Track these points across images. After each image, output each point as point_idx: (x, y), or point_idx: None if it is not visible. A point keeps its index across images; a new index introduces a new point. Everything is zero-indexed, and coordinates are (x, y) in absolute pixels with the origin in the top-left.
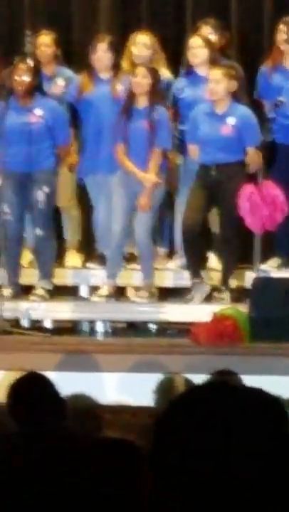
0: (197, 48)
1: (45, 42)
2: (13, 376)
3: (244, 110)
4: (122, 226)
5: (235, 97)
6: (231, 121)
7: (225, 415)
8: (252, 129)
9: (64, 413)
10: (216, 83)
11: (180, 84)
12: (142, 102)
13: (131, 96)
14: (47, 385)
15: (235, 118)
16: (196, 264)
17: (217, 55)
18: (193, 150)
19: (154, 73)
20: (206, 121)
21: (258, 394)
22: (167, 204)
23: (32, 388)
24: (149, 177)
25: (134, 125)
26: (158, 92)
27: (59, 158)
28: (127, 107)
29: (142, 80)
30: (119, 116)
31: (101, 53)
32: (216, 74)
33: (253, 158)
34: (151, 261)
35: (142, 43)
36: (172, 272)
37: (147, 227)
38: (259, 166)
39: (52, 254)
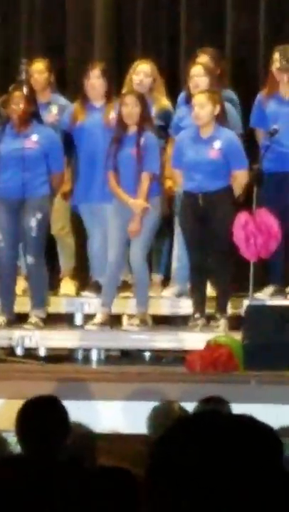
0: (198, 77)
1: (38, 69)
2: (6, 404)
3: (228, 133)
4: (117, 257)
5: (218, 120)
6: (217, 144)
7: (218, 444)
8: (238, 152)
9: (68, 436)
10: (200, 107)
11: (182, 113)
12: (131, 129)
13: (122, 124)
14: (57, 408)
15: (220, 141)
16: (201, 301)
17: (216, 83)
18: (177, 176)
19: (142, 100)
20: (192, 146)
21: (251, 423)
22: (164, 231)
23: (42, 411)
24: (138, 202)
25: (123, 152)
26: (147, 118)
27: (53, 186)
28: (119, 135)
29: (132, 110)
30: (111, 145)
31: (94, 80)
32: (200, 99)
33: (240, 182)
34: (147, 289)
35: (142, 72)
36: (167, 300)
37: (143, 254)
38: (242, 191)
39: (44, 282)
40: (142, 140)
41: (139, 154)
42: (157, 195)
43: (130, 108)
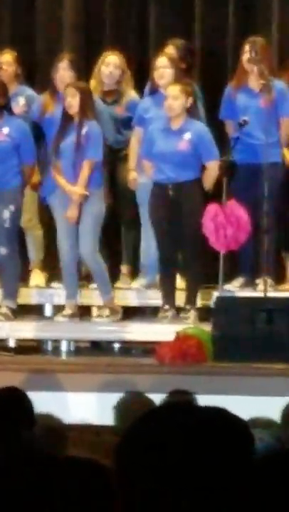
0: (163, 68)
1: (6, 60)
2: None
3: (199, 125)
4: (69, 245)
5: (190, 113)
6: (187, 136)
7: (188, 435)
8: (208, 144)
9: (32, 427)
10: (173, 99)
11: (146, 104)
12: (75, 120)
13: (66, 115)
14: (21, 399)
15: (190, 133)
16: (170, 294)
17: (182, 75)
18: (148, 166)
19: (83, 90)
20: (162, 137)
21: (221, 414)
22: (133, 222)
23: (6, 402)
24: (75, 189)
25: (65, 142)
26: (87, 108)
27: (24, 177)
28: (63, 125)
29: (71, 100)
30: (56, 135)
31: (62, 72)
32: (174, 90)
33: (212, 173)
34: (105, 277)
35: (111, 63)
36: (136, 291)
37: (92, 244)
38: (213, 182)
39: (16, 273)
40: (84, 129)
41: (79, 143)
42: (101, 185)
43: (69, 99)
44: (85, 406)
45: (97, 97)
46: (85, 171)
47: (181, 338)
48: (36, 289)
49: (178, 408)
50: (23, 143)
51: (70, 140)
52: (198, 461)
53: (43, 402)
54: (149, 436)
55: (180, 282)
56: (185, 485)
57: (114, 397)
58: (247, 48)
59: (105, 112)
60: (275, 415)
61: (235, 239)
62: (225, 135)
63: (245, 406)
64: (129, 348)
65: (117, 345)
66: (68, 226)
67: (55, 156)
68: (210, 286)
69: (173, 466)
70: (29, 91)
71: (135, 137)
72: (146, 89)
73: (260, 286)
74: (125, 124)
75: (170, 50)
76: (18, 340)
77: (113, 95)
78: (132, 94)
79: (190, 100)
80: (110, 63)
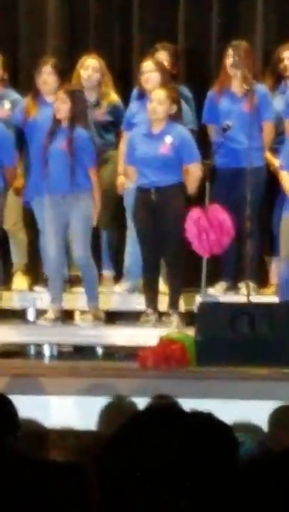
0: (150, 72)
1: None
2: None
3: (180, 128)
4: (57, 249)
5: (172, 118)
6: (168, 139)
7: (173, 439)
8: (190, 146)
9: (16, 432)
10: (158, 103)
11: (134, 109)
12: (64, 124)
13: (55, 120)
14: (5, 404)
15: (172, 137)
16: (153, 298)
17: (168, 79)
18: (131, 172)
19: (73, 96)
20: (144, 141)
21: (206, 418)
22: (115, 226)
23: None
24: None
25: (53, 146)
26: (78, 114)
27: (5, 181)
28: (52, 130)
29: (60, 106)
30: (44, 139)
31: (46, 76)
32: (160, 94)
33: (194, 175)
34: (95, 283)
35: (91, 66)
36: (119, 296)
37: (87, 249)
38: (196, 185)
39: None
40: (74, 136)
41: (71, 149)
42: (90, 189)
43: (58, 104)
44: (67, 410)
45: None
46: (94, 181)
47: (164, 342)
48: (19, 293)
49: (163, 412)
50: (3, 147)
51: (58, 145)
52: (184, 464)
53: (25, 406)
54: (137, 439)
55: (163, 286)
56: (170, 486)
57: (97, 402)
58: (230, 52)
59: None
60: (258, 419)
61: (219, 243)
62: (208, 139)
63: (228, 410)
64: (112, 352)
65: (99, 350)
66: (57, 228)
67: (44, 162)
68: (193, 290)
69: (163, 468)
70: (14, 95)
71: (123, 142)
72: (134, 93)
73: (243, 291)
74: (106, 127)
75: (162, 55)
76: (1, 345)
77: (92, 99)
78: (113, 97)
79: (174, 107)
80: (89, 66)
